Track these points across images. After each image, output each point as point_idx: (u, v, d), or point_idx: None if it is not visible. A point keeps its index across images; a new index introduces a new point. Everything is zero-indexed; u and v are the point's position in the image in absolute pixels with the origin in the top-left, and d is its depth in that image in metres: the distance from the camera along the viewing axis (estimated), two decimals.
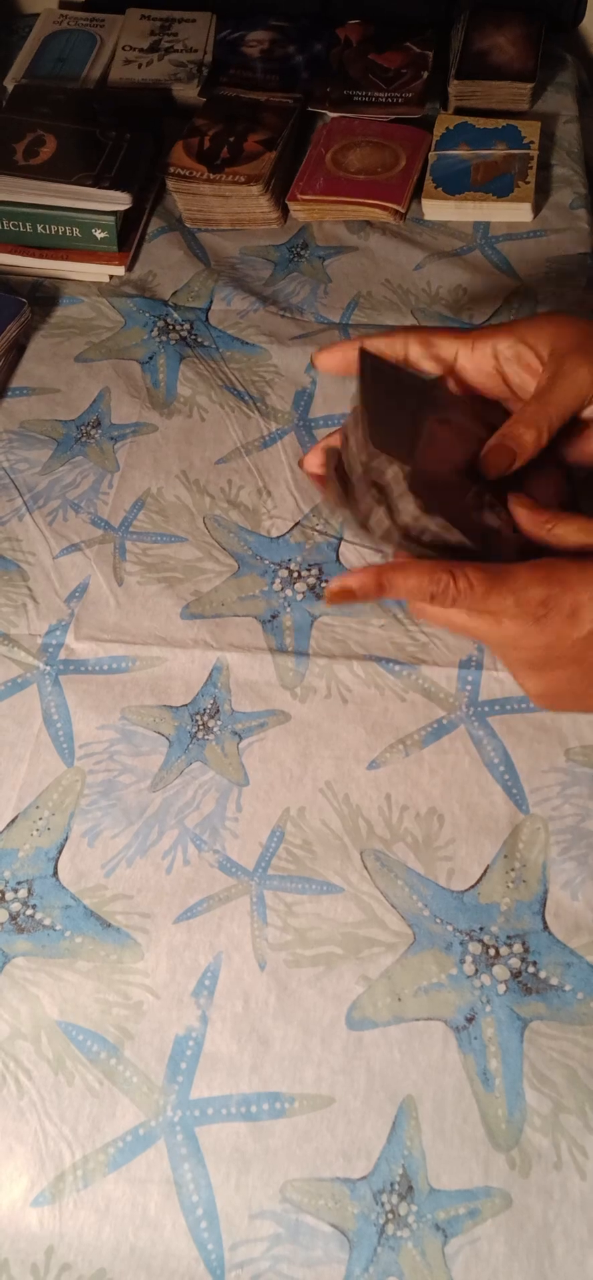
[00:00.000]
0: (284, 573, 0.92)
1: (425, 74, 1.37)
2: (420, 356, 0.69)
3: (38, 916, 0.73)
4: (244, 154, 1.28)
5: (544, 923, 0.71)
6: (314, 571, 0.92)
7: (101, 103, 1.36)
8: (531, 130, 1.30)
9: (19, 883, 0.75)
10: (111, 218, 1.19)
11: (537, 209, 1.24)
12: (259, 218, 1.26)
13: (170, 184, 1.27)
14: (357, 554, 0.93)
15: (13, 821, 0.78)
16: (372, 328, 1.13)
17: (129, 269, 1.21)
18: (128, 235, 1.22)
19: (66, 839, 0.77)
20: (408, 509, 0.61)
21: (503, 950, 0.70)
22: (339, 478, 0.63)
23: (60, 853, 0.76)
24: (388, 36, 1.43)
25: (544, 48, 1.39)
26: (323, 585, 0.91)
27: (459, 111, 1.35)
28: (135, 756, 0.81)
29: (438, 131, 1.31)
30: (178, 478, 1.00)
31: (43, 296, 1.19)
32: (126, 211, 1.21)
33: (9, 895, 0.75)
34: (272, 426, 1.04)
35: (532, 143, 1.28)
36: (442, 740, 0.81)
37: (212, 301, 1.17)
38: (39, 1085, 0.67)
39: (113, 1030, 0.69)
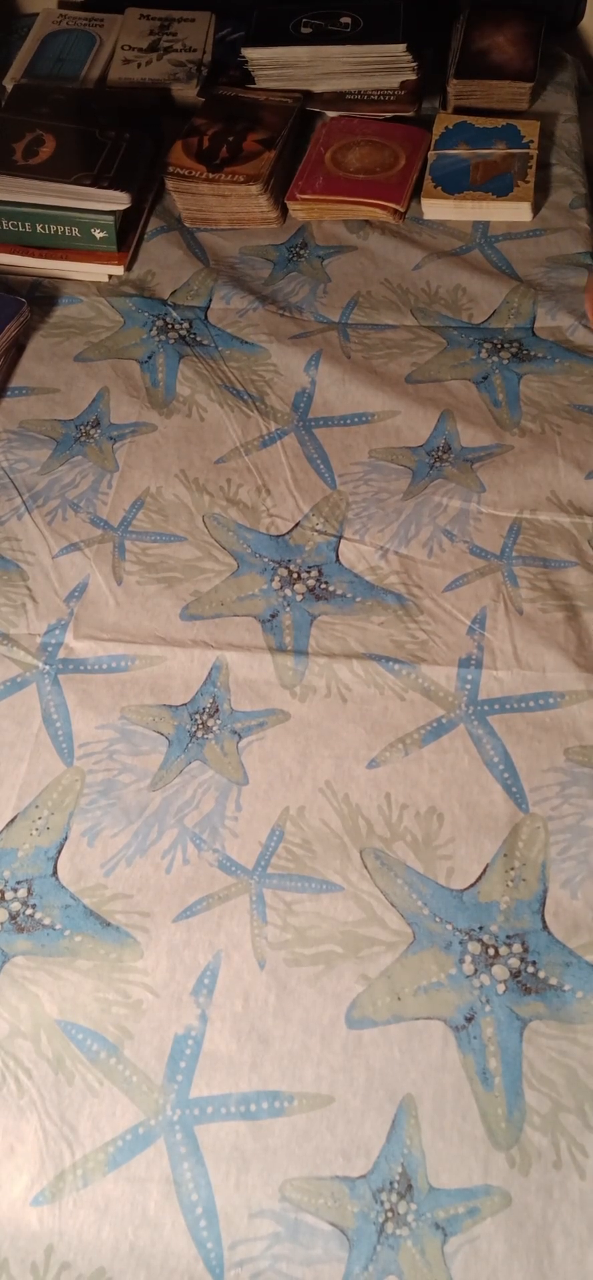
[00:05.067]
0: (284, 572, 0.92)
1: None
2: None
3: (37, 916, 0.73)
4: (243, 153, 1.28)
5: (544, 922, 0.71)
6: (314, 573, 0.92)
7: (101, 103, 1.36)
8: (530, 130, 1.30)
9: (19, 882, 0.75)
10: (111, 217, 1.19)
11: (536, 208, 1.24)
12: (258, 217, 1.26)
13: (169, 184, 1.27)
14: (356, 553, 0.93)
15: (12, 821, 0.78)
16: (371, 327, 1.13)
17: (128, 268, 1.21)
18: (127, 235, 1.22)
19: (66, 838, 0.77)
20: None
21: (502, 950, 0.70)
22: None
23: (60, 852, 0.76)
24: None
25: (544, 47, 1.39)
26: (322, 586, 0.91)
27: (459, 111, 1.35)
28: (135, 756, 0.81)
29: (437, 131, 1.31)
30: (177, 477, 1.00)
31: (42, 296, 1.19)
32: (126, 211, 1.21)
33: (9, 895, 0.75)
34: (271, 426, 1.04)
35: (531, 142, 1.28)
36: (441, 739, 0.81)
37: (211, 300, 1.17)
38: (39, 1084, 0.67)
39: (112, 1029, 0.69)
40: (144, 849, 0.76)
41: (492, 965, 0.70)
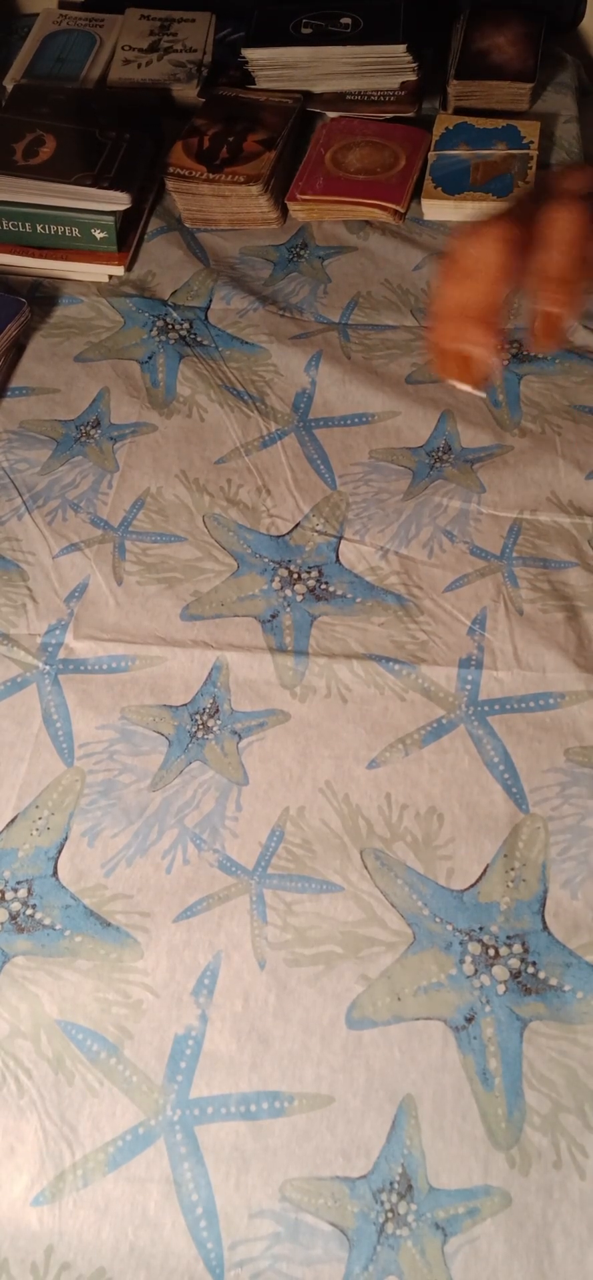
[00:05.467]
0: (284, 572, 0.92)
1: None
2: None
3: (38, 916, 0.73)
4: (243, 154, 1.28)
5: (544, 922, 0.71)
6: (314, 573, 0.92)
7: (101, 103, 1.36)
8: (530, 130, 1.30)
9: (19, 882, 0.75)
10: (111, 218, 1.19)
11: None
12: (258, 218, 1.26)
13: (170, 184, 1.27)
14: (356, 553, 0.93)
15: (12, 821, 0.78)
16: (372, 327, 1.13)
17: (128, 269, 1.21)
18: (127, 235, 1.22)
19: (66, 839, 0.77)
20: None
21: (503, 950, 0.70)
22: None
23: (60, 852, 0.76)
24: None
25: (544, 48, 1.39)
26: (323, 586, 0.91)
27: (459, 111, 1.35)
28: (135, 756, 0.81)
29: (437, 131, 1.31)
30: (177, 477, 1.00)
31: (42, 296, 1.19)
32: (126, 211, 1.21)
33: (9, 895, 0.75)
34: (271, 426, 1.04)
35: (531, 143, 1.28)
36: (442, 740, 0.81)
37: (211, 301, 1.17)
38: (39, 1084, 0.67)
39: (112, 1029, 0.69)
40: (144, 849, 0.76)
41: (492, 966, 0.70)
